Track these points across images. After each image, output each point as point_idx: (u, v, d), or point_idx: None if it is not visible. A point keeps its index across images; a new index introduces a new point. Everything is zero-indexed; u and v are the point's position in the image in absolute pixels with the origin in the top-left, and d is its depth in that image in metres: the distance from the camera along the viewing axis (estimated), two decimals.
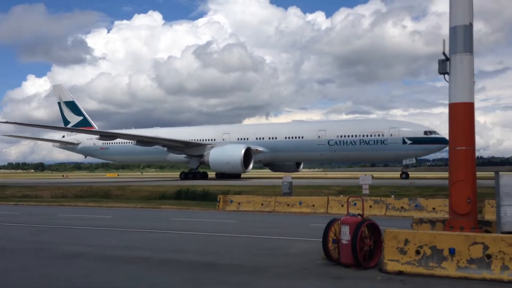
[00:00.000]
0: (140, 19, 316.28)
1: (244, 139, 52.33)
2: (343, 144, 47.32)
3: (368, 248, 9.90)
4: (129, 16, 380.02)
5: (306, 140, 49.25)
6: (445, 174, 12.29)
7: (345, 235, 9.81)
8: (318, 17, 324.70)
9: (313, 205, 22.07)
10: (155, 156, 58.25)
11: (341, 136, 47.55)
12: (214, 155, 49.27)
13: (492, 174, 11.62)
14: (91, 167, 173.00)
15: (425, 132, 44.27)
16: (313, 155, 50.10)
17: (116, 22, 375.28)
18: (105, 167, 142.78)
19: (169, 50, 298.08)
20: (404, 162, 45.73)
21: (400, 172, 47.62)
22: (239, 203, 23.76)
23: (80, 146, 64.42)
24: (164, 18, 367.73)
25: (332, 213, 20.01)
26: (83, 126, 63.96)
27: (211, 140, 53.62)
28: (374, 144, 45.70)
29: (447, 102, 10.99)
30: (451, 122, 10.86)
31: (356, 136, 46.74)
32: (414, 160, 46.32)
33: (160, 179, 58.73)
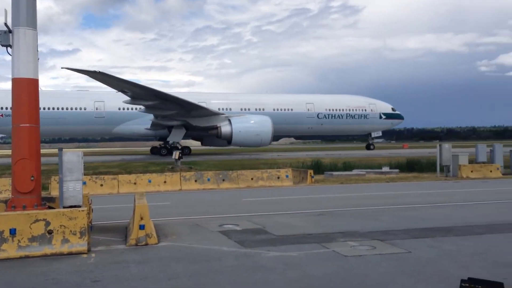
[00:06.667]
0: None
1: (227, 109, 46.25)
2: (331, 118, 49.60)
3: None
4: None
5: (295, 112, 48.47)
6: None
7: None
8: None
9: None
10: (95, 127, 44.92)
11: (329, 110, 49.57)
12: (239, 125, 42.14)
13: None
14: None
15: (392, 109, 52.01)
16: (302, 128, 49.92)
17: None
18: None
19: None
20: (373, 134, 52.87)
21: (365, 144, 55.65)
22: None
23: None
24: None
25: None
26: None
27: None
28: (358, 118, 50.38)
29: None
30: (14, 98, 10.33)
31: (343, 110, 49.98)
32: (380, 133, 53.88)
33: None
